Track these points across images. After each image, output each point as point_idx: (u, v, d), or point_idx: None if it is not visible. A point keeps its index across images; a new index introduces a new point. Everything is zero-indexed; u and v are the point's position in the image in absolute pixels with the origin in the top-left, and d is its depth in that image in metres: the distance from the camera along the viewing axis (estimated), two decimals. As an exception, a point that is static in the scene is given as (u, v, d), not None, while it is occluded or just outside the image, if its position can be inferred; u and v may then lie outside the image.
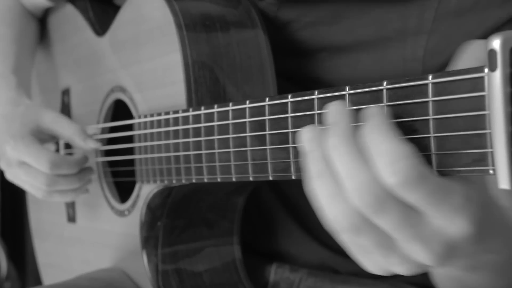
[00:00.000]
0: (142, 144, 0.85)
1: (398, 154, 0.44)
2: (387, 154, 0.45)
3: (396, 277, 0.87)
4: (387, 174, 0.45)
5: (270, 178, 0.61)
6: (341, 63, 0.86)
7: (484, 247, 0.52)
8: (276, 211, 0.95)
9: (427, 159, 0.46)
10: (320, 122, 0.54)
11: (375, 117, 0.47)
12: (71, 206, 1.12)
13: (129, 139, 0.89)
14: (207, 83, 0.80)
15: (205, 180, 0.71)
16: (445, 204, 0.46)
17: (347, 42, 0.85)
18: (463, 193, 0.46)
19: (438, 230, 0.47)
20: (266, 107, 0.60)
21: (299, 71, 0.89)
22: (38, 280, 1.34)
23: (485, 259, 0.55)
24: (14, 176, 0.98)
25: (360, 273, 0.95)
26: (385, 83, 0.48)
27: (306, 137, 0.50)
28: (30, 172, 0.94)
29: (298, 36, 0.87)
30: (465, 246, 0.48)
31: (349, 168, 0.46)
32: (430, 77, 0.45)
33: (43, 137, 0.98)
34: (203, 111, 0.70)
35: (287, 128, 0.58)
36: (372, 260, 0.51)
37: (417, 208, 0.47)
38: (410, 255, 0.48)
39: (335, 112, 0.50)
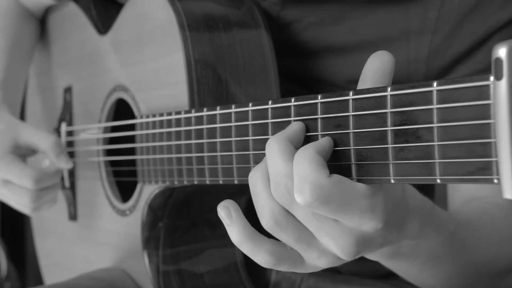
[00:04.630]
0: (144, 144, 0.84)
1: (304, 177, 0.48)
2: (297, 176, 0.48)
3: (397, 277, 0.87)
4: (296, 195, 0.48)
5: (272, 182, 0.60)
6: (344, 63, 0.85)
7: (398, 234, 0.57)
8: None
9: (430, 166, 0.45)
10: (323, 126, 0.53)
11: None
12: (72, 205, 1.12)
13: (131, 138, 0.89)
14: (209, 84, 0.79)
15: (207, 182, 0.71)
16: (352, 212, 0.49)
17: (350, 42, 0.84)
18: (368, 193, 0.49)
19: (348, 230, 0.51)
20: (269, 110, 0.60)
21: (302, 71, 0.89)
22: (38, 280, 1.34)
23: (405, 244, 0.60)
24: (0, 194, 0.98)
25: (361, 273, 0.95)
26: (389, 88, 0.48)
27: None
28: (14, 190, 0.94)
29: (301, 36, 0.87)
30: (377, 238, 0.53)
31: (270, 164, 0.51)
32: (435, 83, 0.44)
33: (23, 152, 0.98)
34: (205, 112, 0.70)
35: (290, 132, 0.57)
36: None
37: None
38: (327, 248, 0.52)
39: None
